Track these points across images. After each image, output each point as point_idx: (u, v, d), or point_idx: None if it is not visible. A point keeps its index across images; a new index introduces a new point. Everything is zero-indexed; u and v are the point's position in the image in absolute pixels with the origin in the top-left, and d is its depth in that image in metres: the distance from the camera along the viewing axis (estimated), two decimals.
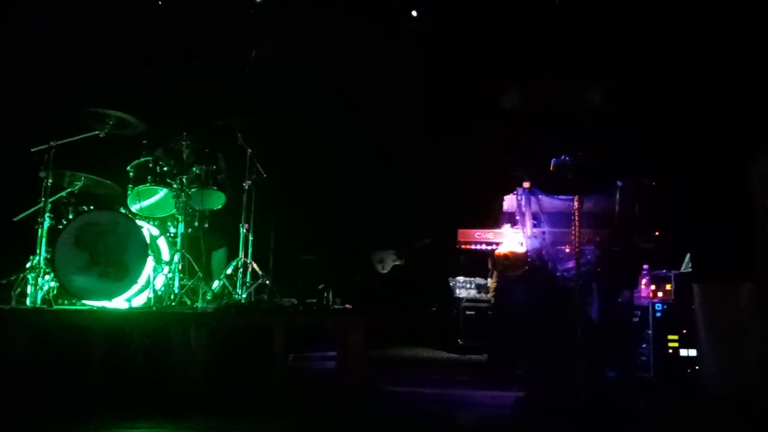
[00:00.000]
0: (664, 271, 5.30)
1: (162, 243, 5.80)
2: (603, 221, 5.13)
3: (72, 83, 6.32)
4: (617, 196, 5.12)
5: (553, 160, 5.05)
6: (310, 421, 4.09)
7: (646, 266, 5.32)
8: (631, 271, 5.20)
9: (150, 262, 5.35)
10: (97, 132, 5.52)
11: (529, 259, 5.14)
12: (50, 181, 5.28)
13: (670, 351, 5.04)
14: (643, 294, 5.28)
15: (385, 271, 7.49)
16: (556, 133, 5.54)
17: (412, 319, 6.89)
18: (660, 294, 5.25)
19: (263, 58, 6.75)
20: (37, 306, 4.97)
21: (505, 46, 6.72)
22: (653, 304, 5.10)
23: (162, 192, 5.92)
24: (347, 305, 5.73)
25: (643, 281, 5.27)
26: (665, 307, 5.07)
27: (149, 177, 5.75)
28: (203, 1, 6.98)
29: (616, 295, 5.12)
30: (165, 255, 5.74)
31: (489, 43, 6.83)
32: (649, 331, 5.09)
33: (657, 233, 5.12)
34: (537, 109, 5.97)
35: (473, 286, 6.92)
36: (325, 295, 5.75)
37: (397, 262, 7.50)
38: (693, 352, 4.97)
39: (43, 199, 5.25)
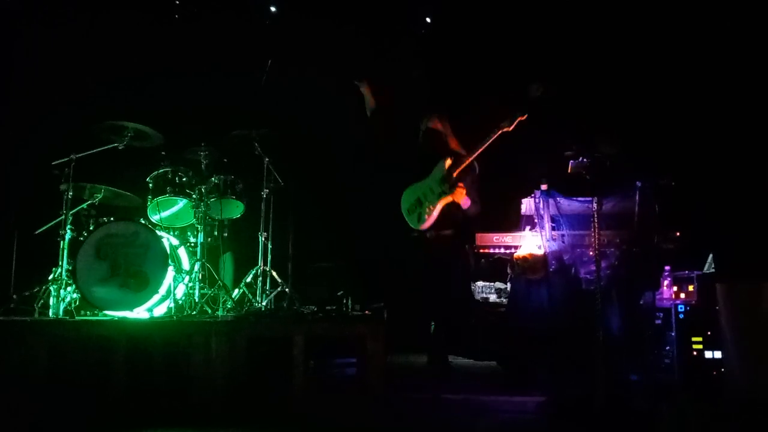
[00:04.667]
0: (687, 272, 5.23)
1: (182, 253, 5.85)
2: (623, 223, 5.08)
3: (90, 97, 6.40)
4: (637, 197, 5.07)
5: (571, 161, 5.02)
6: (332, 430, 4.09)
7: (667, 267, 5.24)
8: (653, 273, 5.13)
9: (170, 271, 5.39)
10: (115, 144, 5.58)
11: (548, 262, 5.11)
12: (71, 193, 5.35)
13: (695, 353, 4.95)
14: (666, 296, 5.20)
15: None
16: (574, 133, 5.50)
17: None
18: (683, 295, 5.17)
19: (279, 69, 6.78)
20: (59, 317, 5.03)
21: (517, 46, 6.69)
22: (676, 306, 5.02)
23: (181, 202, 5.98)
24: (367, 312, 5.72)
25: (665, 283, 5.20)
26: (688, 308, 4.99)
27: (168, 188, 5.82)
28: (219, 13, 7.04)
29: (637, 297, 5.06)
30: (185, 264, 5.79)
31: (500, 43, 6.80)
32: (673, 333, 5.01)
33: (678, 234, 5.06)
34: (554, 109, 5.94)
35: (493, 290, 6.87)
36: (345, 302, 5.74)
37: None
38: (718, 354, 4.89)
39: (64, 212, 5.33)
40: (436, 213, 5.04)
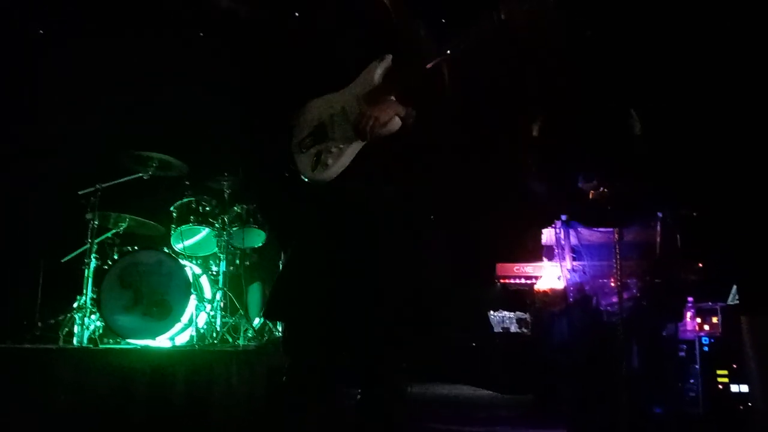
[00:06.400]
0: (710, 303, 5.17)
1: (204, 281, 5.90)
2: (644, 253, 5.05)
3: (117, 125, 6.50)
4: (658, 228, 5.05)
5: (592, 192, 5.01)
6: None
7: (690, 299, 5.19)
8: (676, 304, 5.08)
9: (193, 300, 5.44)
10: (140, 174, 5.68)
11: (569, 294, 5.08)
12: (96, 222, 5.43)
13: (720, 387, 4.88)
14: (689, 327, 5.14)
15: None
16: (594, 163, 5.50)
17: (450, 355, 6.79)
18: (706, 327, 5.11)
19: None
20: (83, 345, 5.08)
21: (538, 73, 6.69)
22: (700, 338, 4.96)
23: (204, 231, 6.05)
24: None
25: (688, 314, 5.14)
26: (712, 340, 4.93)
27: (192, 217, 5.89)
28: (240, 42, 7.13)
29: (660, 329, 5.01)
30: (207, 293, 5.83)
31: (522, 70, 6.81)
32: (697, 366, 4.95)
33: (700, 264, 5.01)
34: (573, 138, 5.94)
35: (514, 320, 6.83)
36: None
37: None
38: (744, 388, 4.81)
39: (89, 241, 5.40)
40: (346, 159, 2.65)
